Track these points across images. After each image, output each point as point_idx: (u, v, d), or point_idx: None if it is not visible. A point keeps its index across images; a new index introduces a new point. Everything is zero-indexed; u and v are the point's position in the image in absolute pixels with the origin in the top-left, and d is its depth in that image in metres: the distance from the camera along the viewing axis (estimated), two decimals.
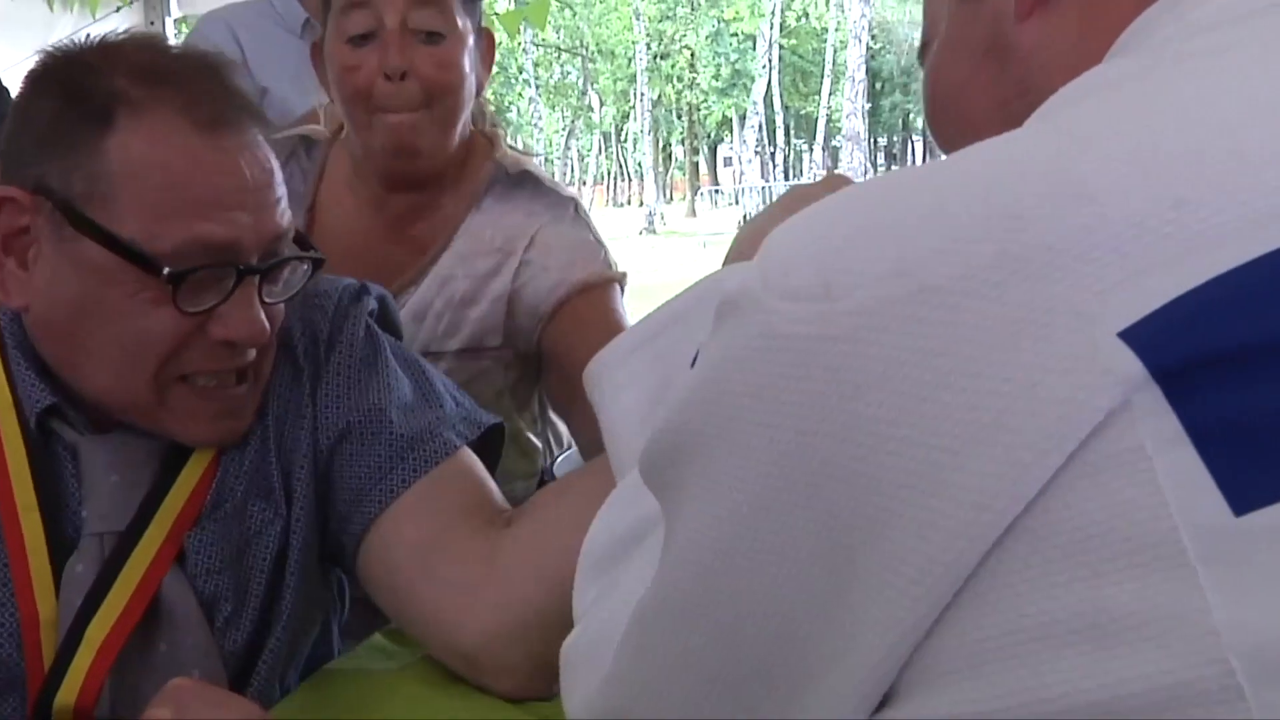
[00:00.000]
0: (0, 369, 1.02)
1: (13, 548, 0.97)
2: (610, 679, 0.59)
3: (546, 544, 1.03)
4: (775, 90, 35.48)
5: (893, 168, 51.15)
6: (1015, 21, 0.61)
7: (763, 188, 31.18)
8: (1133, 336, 0.42)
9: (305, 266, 1.05)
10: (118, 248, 0.92)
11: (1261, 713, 0.40)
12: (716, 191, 42.29)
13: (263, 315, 0.98)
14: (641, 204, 34.76)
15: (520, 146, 1.80)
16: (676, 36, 33.38)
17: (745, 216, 27.55)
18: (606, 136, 43.35)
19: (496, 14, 5.27)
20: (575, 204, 1.62)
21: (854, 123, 24.43)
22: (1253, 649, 0.40)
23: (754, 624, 0.49)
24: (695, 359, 0.55)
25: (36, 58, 1.01)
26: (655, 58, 33.70)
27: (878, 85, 43.18)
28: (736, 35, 32.15)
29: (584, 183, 43.68)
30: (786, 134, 43.14)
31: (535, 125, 31.41)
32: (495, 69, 1.74)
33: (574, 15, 32.61)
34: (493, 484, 1.12)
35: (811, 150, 40.66)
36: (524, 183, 1.60)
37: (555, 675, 1.00)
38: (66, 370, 1.00)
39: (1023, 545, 0.42)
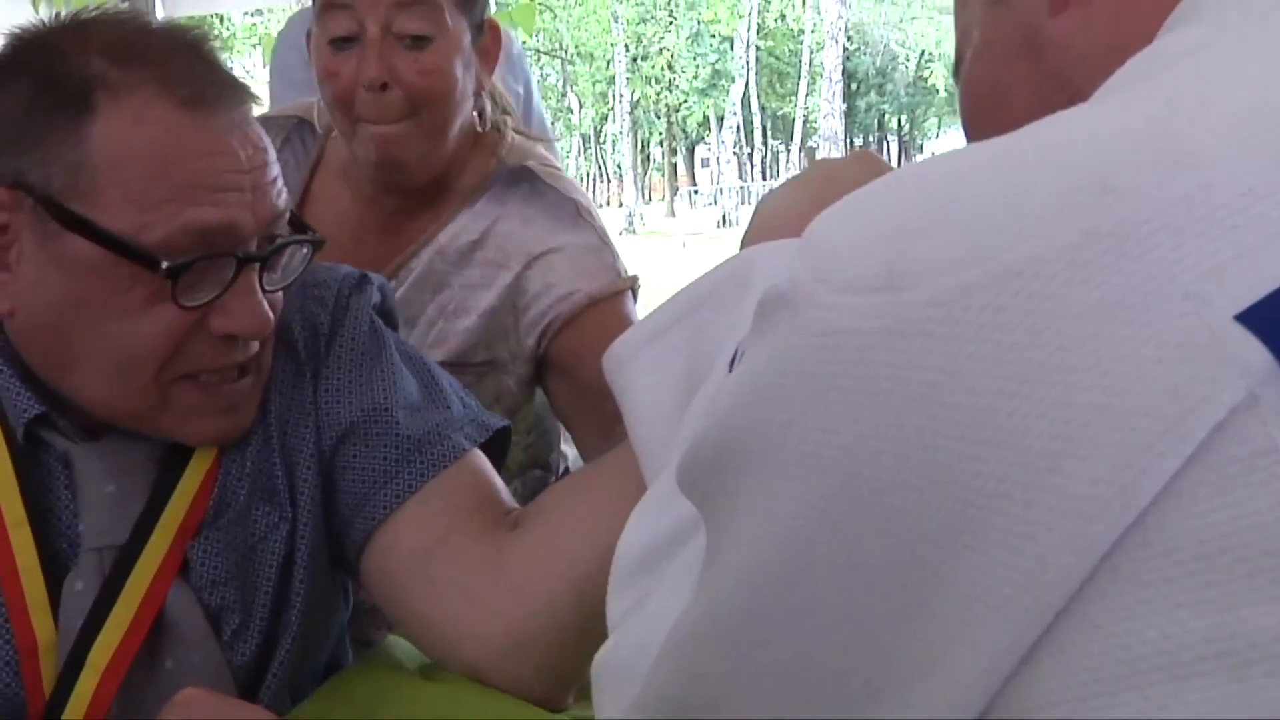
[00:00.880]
0: None
1: (3, 569, 0.90)
2: (642, 702, 0.57)
3: (557, 551, 0.99)
4: (753, 91, 35.77)
5: None
6: (1049, 16, 0.60)
7: (740, 188, 31.51)
8: (1253, 320, 0.37)
9: (305, 250, 0.98)
10: (107, 242, 0.85)
11: None
12: (695, 192, 42.48)
13: (266, 305, 0.92)
14: (621, 205, 35.06)
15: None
16: (655, 38, 33.59)
17: (724, 216, 27.82)
18: (586, 138, 43.43)
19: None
20: (576, 205, 1.50)
21: (831, 123, 24.70)
22: None
23: (812, 645, 0.45)
24: (734, 361, 0.53)
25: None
26: (634, 60, 33.91)
27: (853, 86, 43.51)
28: (715, 37, 32.39)
29: None
30: (764, 135, 43.42)
31: None
32: None
33: (554, 18, 32.73)
34: (502, 485, 1.07)
35: (788, 151, 40.96)
36: (520, 180, 1.49)
37: (566, 687, 1.01)
38: (56, 377, 0.92)
39: (1136, 561, 0.38)
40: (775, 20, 35.10)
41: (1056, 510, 0.38)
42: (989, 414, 0.39)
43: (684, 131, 42.36)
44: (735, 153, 34.26)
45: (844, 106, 28.72)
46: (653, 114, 38.54)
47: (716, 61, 33.15)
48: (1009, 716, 0.40)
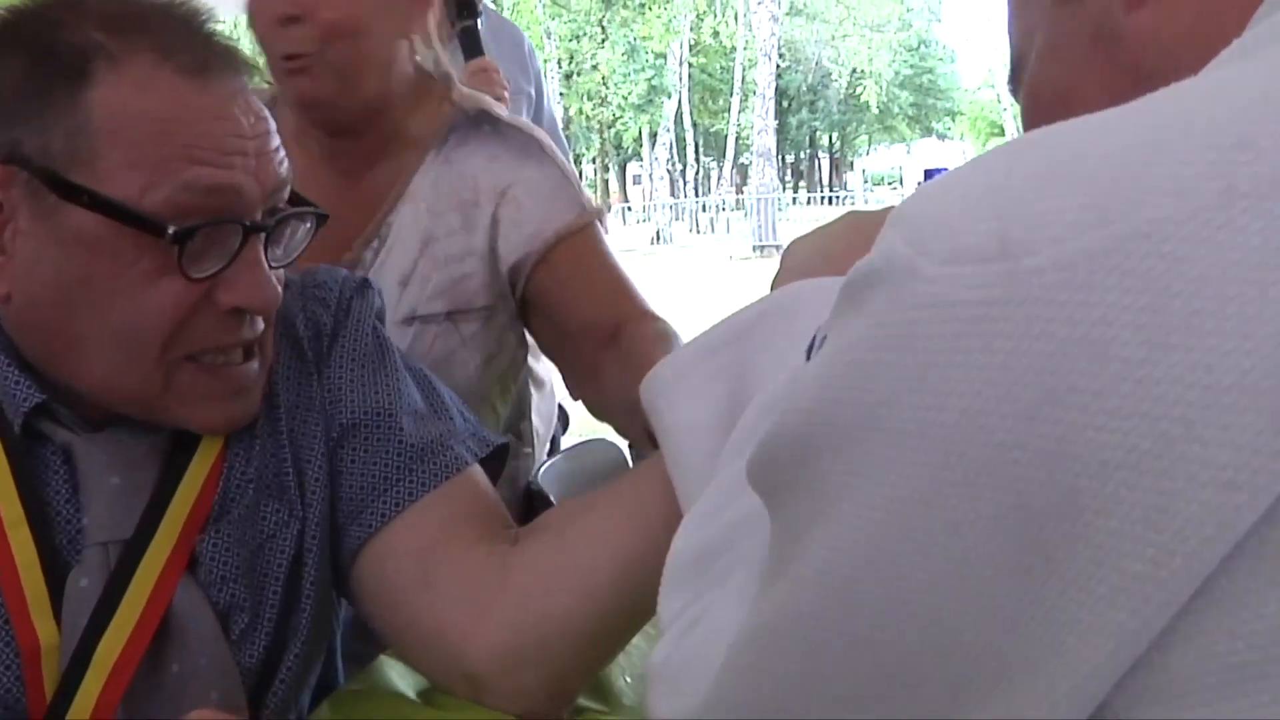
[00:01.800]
0: None
1: (2, 568, 0.87)
2: (714, 700, 0.54)
3: (569, 562, 0.96)
4: (686, 108, 35.79)
5: (800, 184, 51.91)
6: (1124, 12, 0.57)
7: (673, 205, 31.49)
8: None
9: (308, 225, 0.97)
10: (110, 209, 0.83)
11: None
12: (627, 209, 42.46)
13: (273, 278, 0.91)
14: None
15: None
16: (589, 54, 33.51)
17: (658, 233, 27.73)
18: None
19: None
20: (539, 142, 1.52)
21: (764, 139, 24.73)
22: None
23: (906, 637, 0.42)
24: (813, 349, 0.50)
25: None
26: (567, 76, 33.80)
27: (785, 103, 43.81)
28: (649, 53, 32.39)
29: None
30: (696, 151, 43.48)
31: None
32: None
33: None
34: (501, 504, 1.05)
35: (721, 167, 41.07)
36: (482, 122, 1.51)
37: (568, 698, 1.00)
38: (56, 364, 0.90)
39: None
40: (709, 37, 35.14)
41: (1195, 480, 0.36)
42: (1117, 382, 0.37)
43: (618, 148, 42.36)
44: (668, 169, 34.28)
45: (776, 123, 28.81)
46: (586, 130, 38.42)
47: (651, 77, 33.13)
48: (1132, 716, 0.38)
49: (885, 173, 55.62)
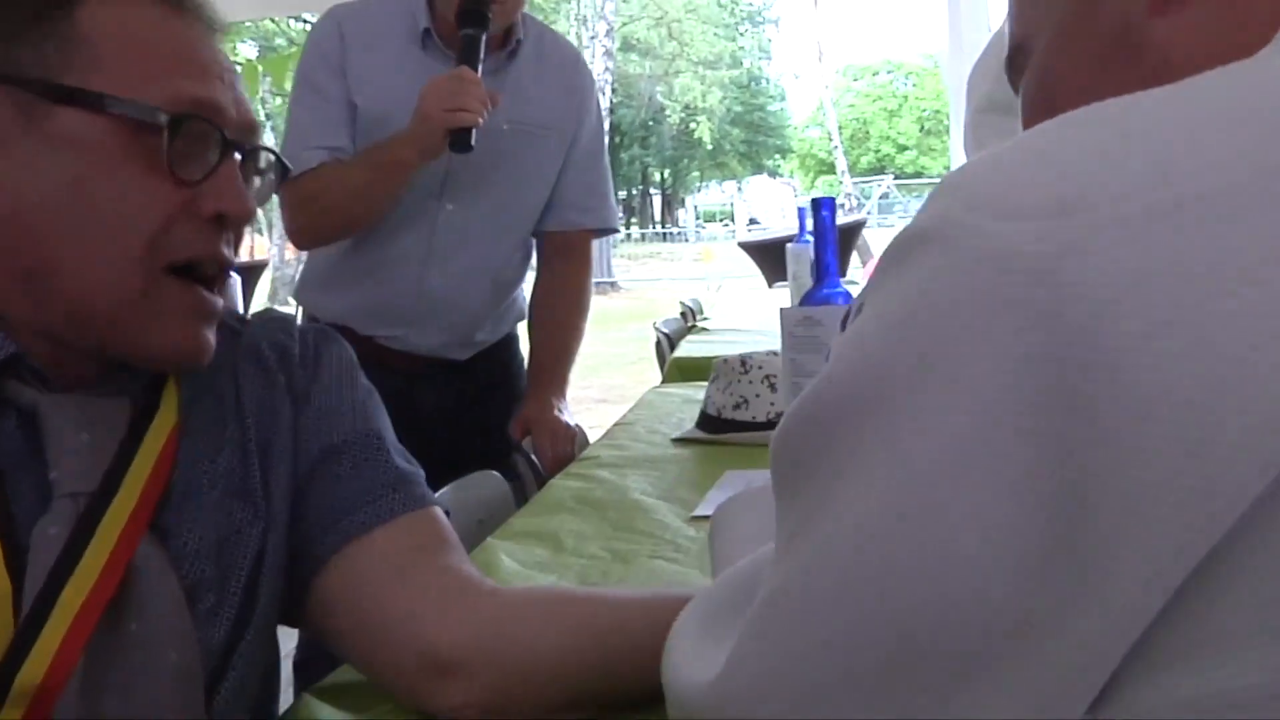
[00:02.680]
0: None
1: None
2: (735, 663, 0.52)
3: (551, 595, 1.03)
4: None
5: (633, 220, 51.86)
6: (1147, 16, 0.56)
7: None
8: None
9: (271, 176, 1.01)
10: (105, 104, 0.87)
11: None
12: None
13: (248, 192, 0.95)
14: None
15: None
16: None
17: None
18: None
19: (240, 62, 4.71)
20: None
21: None
22: None
23: (939, 590, 0.42)
24: (848, 319, 0.49)
25: None
26: None
27: (618, 139, 43.64)
28: None
29: None
30: None
31: None
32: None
33: None
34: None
35: None
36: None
37: (544, 698, 0.94)
38: (33, 290, 0.89)
39: None
40: None
41: (1243, 413, 0.37)
42: (1169, 325, 0.38)
43: None
44: None
45: (609, 159, 28.50)
46: None
47: None
48: (1171, 646, 0.40)
49: (717, 209, 55.99)
